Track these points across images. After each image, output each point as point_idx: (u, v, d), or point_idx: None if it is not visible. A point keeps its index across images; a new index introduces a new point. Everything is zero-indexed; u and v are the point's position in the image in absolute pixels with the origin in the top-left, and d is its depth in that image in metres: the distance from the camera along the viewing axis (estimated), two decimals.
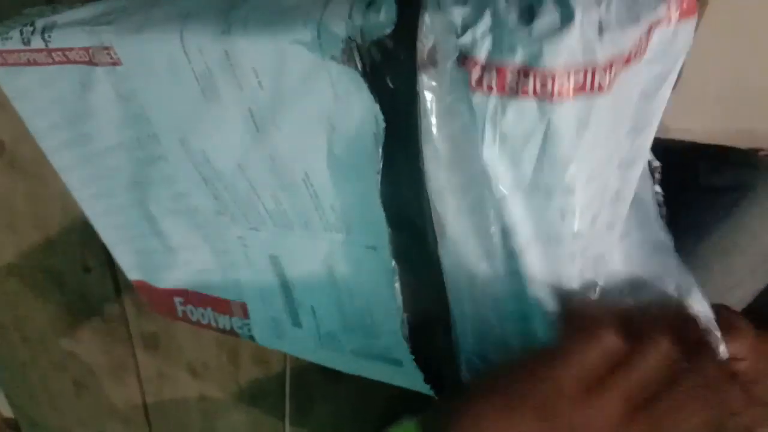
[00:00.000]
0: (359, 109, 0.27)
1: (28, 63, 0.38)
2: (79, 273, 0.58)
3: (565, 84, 0.23)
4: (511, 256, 0.28)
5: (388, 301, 0.36)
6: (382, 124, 0.27)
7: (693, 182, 0.49)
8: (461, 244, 0.29)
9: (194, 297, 0.48)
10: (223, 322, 0.47)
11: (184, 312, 0.49)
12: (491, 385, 0.28)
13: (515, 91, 0.23)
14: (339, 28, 0.25)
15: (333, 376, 0.55)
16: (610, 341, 0.25)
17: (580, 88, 0.23)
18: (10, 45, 0.37)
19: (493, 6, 0.22)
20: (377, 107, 0.26)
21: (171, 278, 0.48)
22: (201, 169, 0.36)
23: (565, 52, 0.22)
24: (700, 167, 0.50)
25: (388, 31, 0.24)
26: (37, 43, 0.36)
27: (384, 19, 0.24)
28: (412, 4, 0.23)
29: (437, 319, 0.33)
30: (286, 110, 0.30)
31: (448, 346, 0.34)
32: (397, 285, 0.32)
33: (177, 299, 0.49)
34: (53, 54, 0.36)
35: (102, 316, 0.60)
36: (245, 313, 0.45)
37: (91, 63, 0.35)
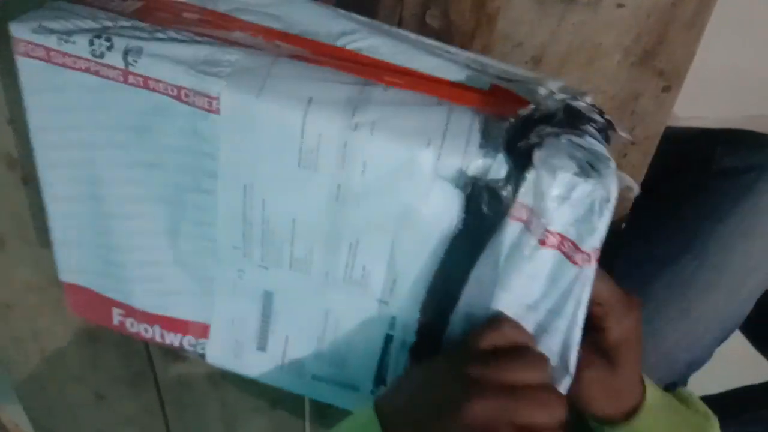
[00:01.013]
0: (442, 214, 0.37)
1: (86, 70, 0.37)
2: None
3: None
4: None
5: (371, 341, 0.45)
6: (460, 227, 0.37)
7: (709, 166, 0.49)
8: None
9: (139, 313, 0.49)
10: (171, 338, 0.49)
11: (121, 322, 0.50)
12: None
13: (568, 256, 0.35)
14: (457, 161, 0.35)
15: None
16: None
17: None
18: (68, 48, 0.37)
19: (572, 200, 0.34)
20: (462, 216, 0.36)
21: (121, 291, 0.48)
22: (250, 211, 0.40)
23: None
24: (716, 151, 0.49)
25: (500, 183, 0.34)
26: (114, 60, 0.36)
27: (496, 170, 0.35)
28: (521, 170, 0.34)
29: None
30: (375, 195, 0.37)
31: None
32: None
33: (116, 310, 0.49)
34: (130, 76, 0.37)
35: None
36: (205, 333, 0.48)
37: (179, 100, 0.37)
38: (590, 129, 0.36)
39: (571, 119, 0.36)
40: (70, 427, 0.68)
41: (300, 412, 0.66)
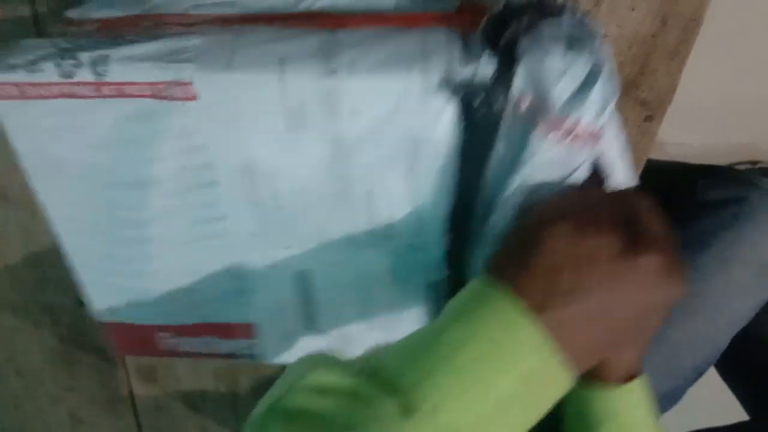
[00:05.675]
0: (445, 133, 0.36)
1: (60, 95, 0.37)
2: (73, 306, 0.56)
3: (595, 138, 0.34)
4: None
5: (416, 291, 0.44)
6: (461, 138, 0.35)
7: (692, 198, 0.51)
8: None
9: (186, 329, 0.48)
10: (223, 346, 0.49)
11: (170, 345, 0.49)
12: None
13: (565, 137, 0.34)
14: (443, 76, 0.34)
15: None
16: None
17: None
18: (38, 77, 0.37)
19: (567, 78, 0.33)
20: (461, 126, 0.35)
21: (160, 314, 0.48)
22: (256, 192, 0.40)
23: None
24: (698, 184, 0.51)
25: (492, 80, 0.33)
26: (83, 76, 0.36)
27: (484, 70, 0.33)
28: (507, 62, 0.33)
29: None
30: (373, 137, 0.36)
31: None
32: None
33: (161, 334, 0.49)
34: (103, 87, 0.37)
35: (97, 350, 0.58)
36: (251, 333, 0.48)
37: (154, 97, 0.36)
38: (567, 13, 0.35)
39: (545, 10, 0.35)
40: None
41: None
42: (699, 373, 0.53)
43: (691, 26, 0.39)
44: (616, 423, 0.36)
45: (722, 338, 0.51)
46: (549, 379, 0.27)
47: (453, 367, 0.26)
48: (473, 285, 0.30)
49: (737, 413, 0.66)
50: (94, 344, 0.58)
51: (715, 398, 0.65)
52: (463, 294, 0.30)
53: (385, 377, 0.27)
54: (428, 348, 0.27)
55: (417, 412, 0.25)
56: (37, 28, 0.44)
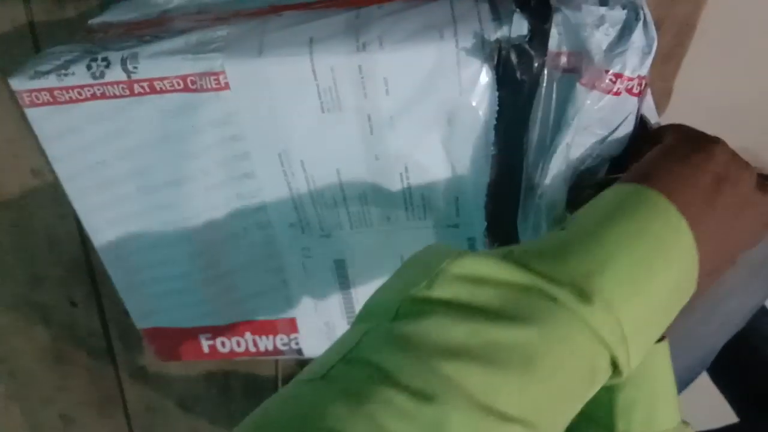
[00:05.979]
0: (480, 99, 0.35)
1: (93, 97, 0.37)
2: (65, 307, 0.56)
3: (639, 88, 0.34)
4: None
5: None
6: (498, 104, 0.35)
7: None
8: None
9: (228, 329, 0.48)
10: (264, 343, 0.48)
11: (211, 347, 0.49)
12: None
13: (609, 90, 0.34)
14: (476, 41, 0.34)
15: None
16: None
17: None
18: (69, 81, 0.37)
19: (603, 30, 0.33)
20: (496, 94, 0.35)
21: (200, 315, 0.47)
22: (292, 180, 0.39)
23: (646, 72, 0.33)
24: None
25: (526, 39, 0.33)
26: (115, 75, 0.36)
27: (517, 30, 0.33)
28: (541, 19, 0.33)
29: None
30: (407, 111, 0.36)
31: None
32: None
33: (203, 335, 0.49)
34: (135, 85, 0.37)
35: (89, 350, 0.59)
36: (293, 327, 0.47)
37: (187, 90, 0.36)
38: None
39: None
40: None
41: None
42: (693, 374, 0.52)
43: (685, 30, 0.39)
44: (634, 386, 0.35)
45: (716, 339, 0.50)
46: (688, 287, 0.28)
47: (626, 260, 0.26)
48: (621, 191, 0.29)
49: (728, 415, 0.67)
50: (86, 344, 0.59)
51: (704, 400, 0.65)
52: (610, 198, 0.29)
53: (547, 271, 0.25)
54: (593, 242, 0.27)
55: (595, 300, 0.24)
56: (33, 35, 0.45)
